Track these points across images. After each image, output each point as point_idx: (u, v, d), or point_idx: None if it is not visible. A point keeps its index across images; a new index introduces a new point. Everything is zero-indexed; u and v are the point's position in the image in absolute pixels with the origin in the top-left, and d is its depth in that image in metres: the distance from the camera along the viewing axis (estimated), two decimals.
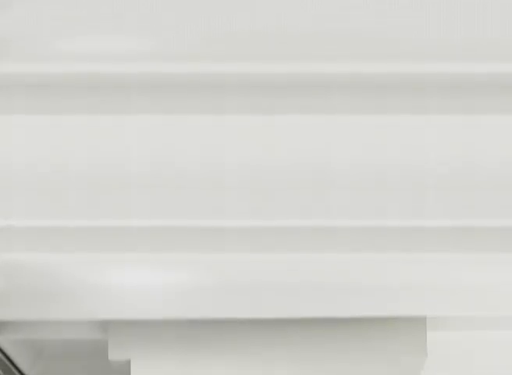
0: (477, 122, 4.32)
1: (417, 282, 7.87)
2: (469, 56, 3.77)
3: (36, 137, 4.38)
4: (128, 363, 9.21)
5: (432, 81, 3.73)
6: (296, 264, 7.27)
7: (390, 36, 3.72)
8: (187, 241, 6.46)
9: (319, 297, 7.99)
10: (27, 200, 5.20)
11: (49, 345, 10.42)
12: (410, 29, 3.72)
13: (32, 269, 7.27)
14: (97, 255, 6.78)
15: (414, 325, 8.84)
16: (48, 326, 9.00)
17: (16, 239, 6.19)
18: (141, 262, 7.20)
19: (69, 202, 5.32)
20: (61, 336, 9.30)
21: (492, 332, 9.42)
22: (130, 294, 7.95)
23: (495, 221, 5.76)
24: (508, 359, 9.52)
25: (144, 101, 3.93)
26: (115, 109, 4.01)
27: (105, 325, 9.01)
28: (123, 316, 8.32)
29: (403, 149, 4.74)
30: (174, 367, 9.14)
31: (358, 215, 5.65)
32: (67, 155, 4.65)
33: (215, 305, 8.08)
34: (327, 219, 5.85)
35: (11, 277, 7.43)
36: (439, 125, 4.36)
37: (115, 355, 9.13)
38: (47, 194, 5.28)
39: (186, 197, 5.35)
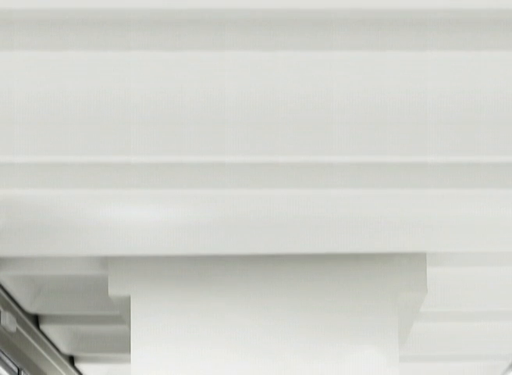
0: (477, 57, 4.39)
1: (418, 218, 7.93)
2: None
3: (37, 73, 4.45)
4: (128, 299, 9.25)
5: (432, 17, 3.79)
6: (297, 200, 7.38)
7: None
8: (187, 177, 6.55)
9: (319, 233, 8.07)
10: (27, 136, 5.29)
11: (49, 281, 10.45)
12: None
13: (32, 206, 7.32)
14: (98, 192, 6.86)
15: (414, 261, 8.84)
16: (47, 262, 8.99)
17: (17, 175, 6.27)
18: (141, 198, 7.28)
19: (69, 138, 5.41)
20: (61, 272, 9.34)
21: (491, 268, 9.48)
22: (130, 231, 8.00)
23: (495, 157, 5.87)
24: (507, 294, 9.57)
25: (144, 36, 3.98)
26: (115, 45, 4.07)
27: (105, 261, 9.05)
28: (123, 252, 8.40)
29: (403, 85, 4.81)
30: (173, 303, 9.13)
31: (358, 151, 5.75)
32: (67, 91, 4.72)
33: (215, 241, 8.13)
34: (327, 155, 5.96)
35: (11, 213, 7.46)
36: (439, 60, 4.43)
37: (114, 290, 9.14)
38: (47, 130, 5.37)
39: (186, 133, 5.44)
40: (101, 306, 10.57)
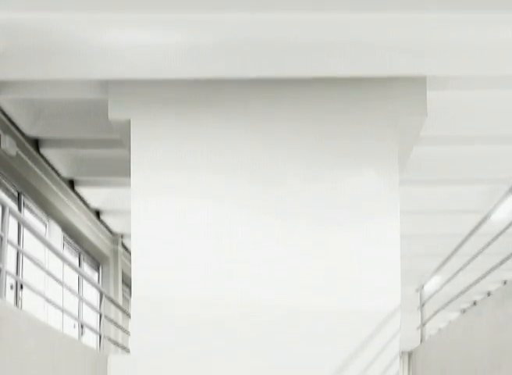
0: None
1: (418, 42, 8.13)
2: None
3: None
4: (128, 123, 9.64)
5: None
6: (297, 24, 7.63)
7: None
8: (187, 1, 6.79)
9: (320, 56, 8.29)
10: None
11: (49, 105, 10.75)
12: None
13: (32, 29, 7.55)
14: (98, 15, 7.14)
15: (414, 85, 9.09)
16: (48, 85, 9.26)
17: None
18: (141, 21, 7.53)
19: None
20: (61, 95, 9.75)
21: (492, 91, 9.78)
22: (130, 54, 8.17)
23: None
24: (507, 118, 9.70)
25: None
26: None
27: (105, 84, 9.34)
28: (123, 75, 8.63)
29: None
30: (174, 127, 9.57)
31: None
32: None
33: (216, 65, 8.33)
34: None
35: (11, 37, 7.63)
36: None
37: (114, 114, 9.51)
38: None
39: None
40: (101, 130, 10.78)
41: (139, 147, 9.67)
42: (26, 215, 12.06)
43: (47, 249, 11.77)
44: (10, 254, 10.05)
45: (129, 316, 11.42)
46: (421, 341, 10.03)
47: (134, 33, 7.75)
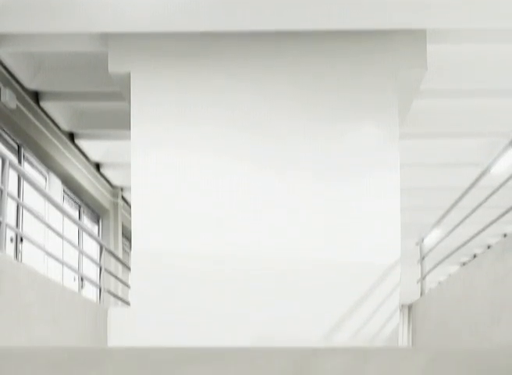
0: None
1: None
2: None
3: None
4: (128, 75, 9.66)
5: None
6: None
7: None
8: None
9: (320, 9, 8.29)
10: None
11: (49, 58, 10.79)
12: None
13: None
14: None
15: (414, 38, 9.10)
16: (48, 38, 9.32)
17: None
18: None
19: None
20: (61, 48, 9.72)
21: (492, 45, 9.85)
22: (130, 7, 8.19)
23: None
24: (508, 72, 9.68)
25: None
26: None
27: (105, 37, 9.38)
28: (123, 28, 8.67)
29: None
30: (173, 80, 9.62)
31: None
32: None
33: (215, 18, 8.33)
34: None
35: None
36: None
37: (114, 67, 9.54)
38: None
39: None
40: (101, 83, 10.83)
41: (139, 100, 9.68)
42: (26, 168, 12.14)
43: (47, 202, 11.94)
44: (10, 207, 10.38)
45: (129, 268, 11.52)
46: (421, 294, 10.13)
47: None
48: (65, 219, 12.12)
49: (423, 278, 10.14)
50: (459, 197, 8.50)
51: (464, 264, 12.84)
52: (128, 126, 9.89)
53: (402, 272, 9.44)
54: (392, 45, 9.32)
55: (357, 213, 9.61)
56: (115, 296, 11.69)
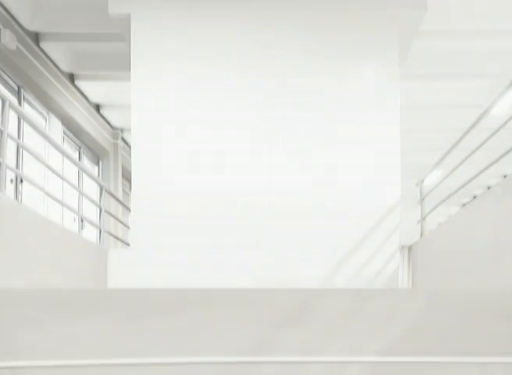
0: None
1: None
2: None
3: None
4: (128, 17, 9.69)
5: None
6: None
7: None
8: None
9: None
10: None
11: None
12: None
13: None
14: None
15: None
16: None
17: None
18: None
19: None
20: None
21: None
22: None
23: None
24: (507, 12, 9.59)
25: None
26: None
27: None
28: None
29: None
30: (174, 21, 9.65)
31: None
32: None
33: None
34: None
35: None
36: None
37: (114, 8, 9.60)
38: None
39: None
40: (101, 24, 10.76)
41: (139, 41, 9.67)
42: (26, 109, 12.16)
43: (47, 144, 11.97)
44: (10, 148, 10.43)
45: (129, 210, 11.57)
46: (421, 235, 10.17)
47: None
48: (66, 160, 11.99)
49: (423, 219, 10.19)
50: (459, 138, 8.49)
51: (464, 205, 12.87)
52: (128, 68, 9.89)
53: (402, 213, 9.51)
54: None
55: (357, 154, 9.62)
56: (115, 237, 11.75)
